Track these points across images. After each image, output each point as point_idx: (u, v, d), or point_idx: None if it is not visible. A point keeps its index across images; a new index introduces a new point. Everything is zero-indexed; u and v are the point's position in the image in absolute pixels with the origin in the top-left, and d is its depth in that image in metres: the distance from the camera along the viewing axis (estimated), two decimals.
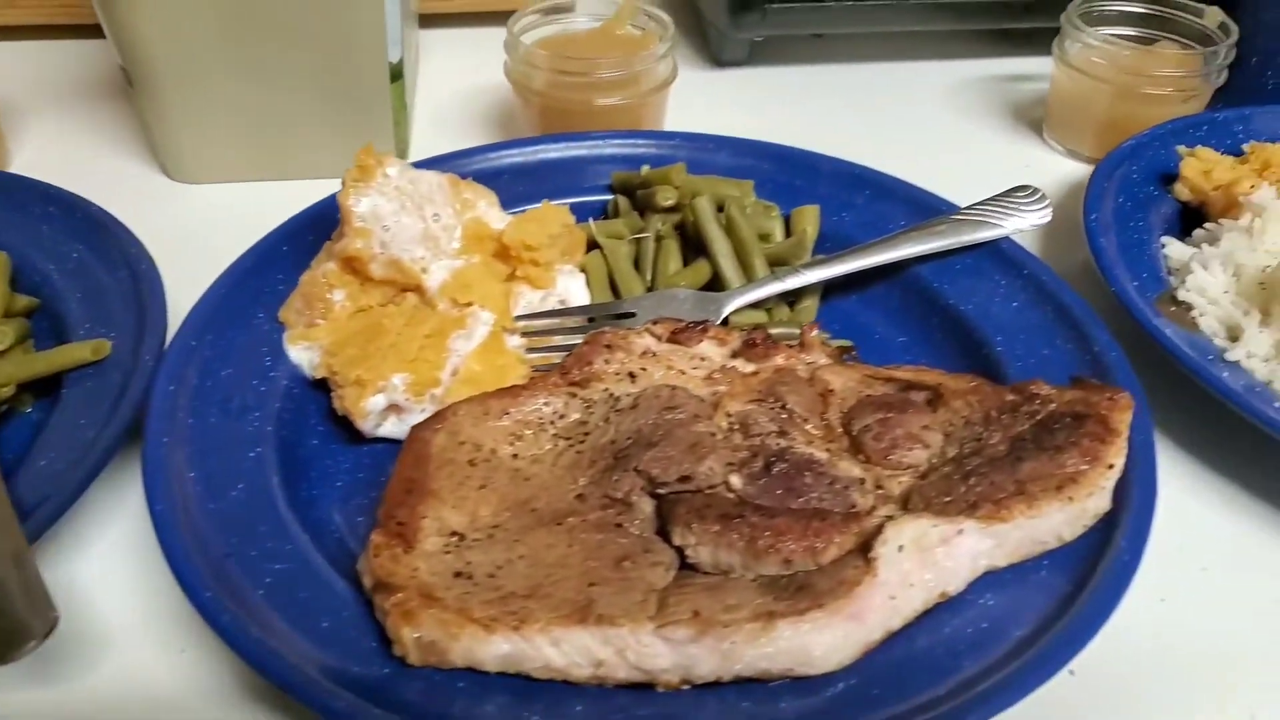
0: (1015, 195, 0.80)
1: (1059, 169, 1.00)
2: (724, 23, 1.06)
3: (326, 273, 0.68)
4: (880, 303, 0.78)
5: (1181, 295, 0.75)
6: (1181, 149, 0.89)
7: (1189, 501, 0.66)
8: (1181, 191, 0.86)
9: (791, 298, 0.77)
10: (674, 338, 0.66)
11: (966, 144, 1.04)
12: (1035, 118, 1.05)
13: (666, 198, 0.78)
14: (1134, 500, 0.56)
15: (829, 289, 0.79)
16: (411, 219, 0.67)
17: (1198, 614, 0.59)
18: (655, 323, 0.66)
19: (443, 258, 0.68)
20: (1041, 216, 0.79)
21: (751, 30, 1.06)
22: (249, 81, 0.86)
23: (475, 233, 0.69)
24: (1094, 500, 0.55)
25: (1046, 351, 0.69)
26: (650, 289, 0.76)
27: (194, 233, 0.85)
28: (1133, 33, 1.00)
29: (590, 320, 0.73)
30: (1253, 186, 0.81)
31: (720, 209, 0.78)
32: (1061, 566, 0.55)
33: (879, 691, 0.49)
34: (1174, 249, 0.80)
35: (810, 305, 0.77)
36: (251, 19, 0.82)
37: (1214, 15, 0.97)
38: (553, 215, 0.72)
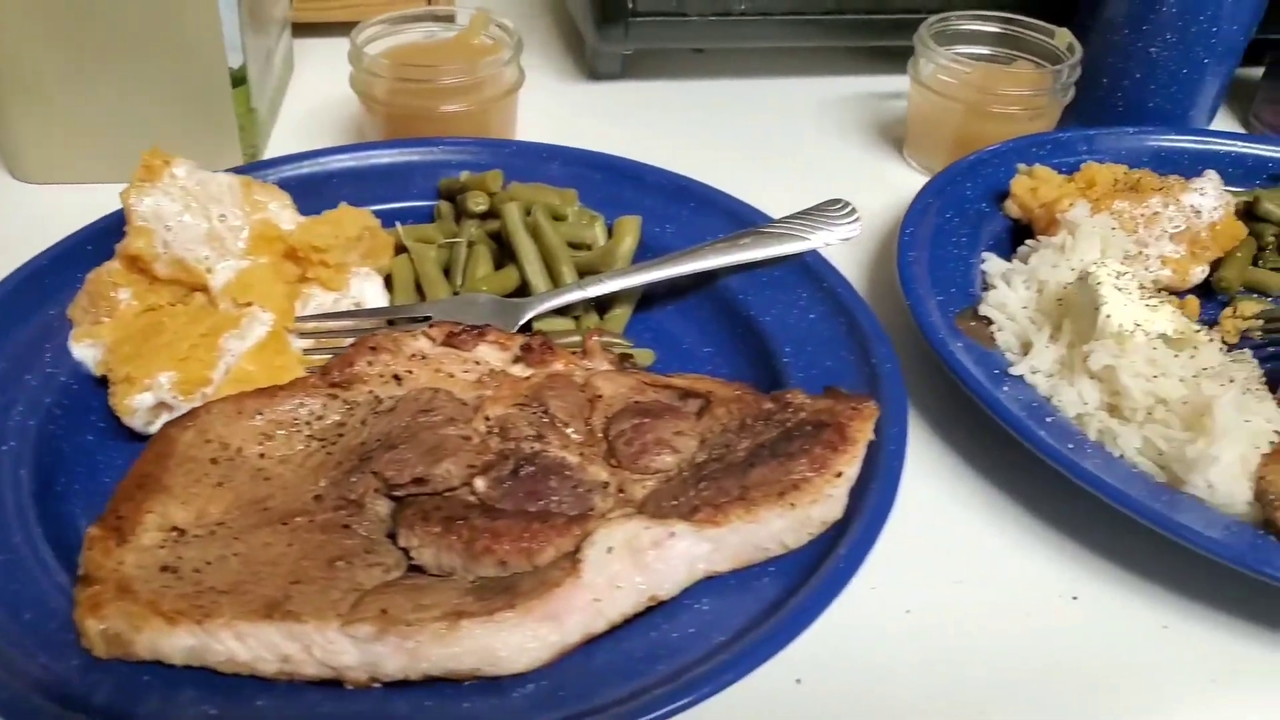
0: (828, 209, 0.80)
1: (915, 186, 1.00)
2: (591, 35, 1.07)
3: (110, 271, 0.68)
4: (692, 313, 0.78)
5: (982, 310, 0.75)
6: (1021, 167, 0.90)
7: (960, 513, 0.66)
8: (1011, 209, 0.87)
9: (604, 306, 0.78)
10: (448, 341, 0.66)
11: (828, 161, 1.04)
12: (898, 136, 1.06)
13: (478, 203, 0.79)
14: (867, 510, 0.56)
15: (646, 300, 0.79)
16: (196, 219, 0.68)
17: (940, 625, 0.59)
18: (432, 326, 0.67)
19: (229, 258, 0.68)
20: (851, 230, 0.79)
21: (617, 43, 1.06)
22: (90, 86, 0.86)
23: (264, 234, 0.69)
24: (820, 508, 0.55)
25: (830, 363, 0.69)
26: (457, 294, 0.76)
27: (35, 232, 0.85)
28: (988, 52, 1.01)
29: (390, 323, 0.73)
30: (1070, 204, 0.82)
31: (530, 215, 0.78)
32: (784, 573, 0.55)
33: (565, 693, 0.49)
34: (992, 264, 0.80)
35: (621, 314, 0.77)
36: (87, 27, 0.83)
37: (1064, 36, 0.98)
38: (351, 218, 0.73)
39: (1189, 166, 0.92)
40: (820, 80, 1.16)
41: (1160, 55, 0.96)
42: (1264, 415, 0.64)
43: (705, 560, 0.54)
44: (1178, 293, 0.83)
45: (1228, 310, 0.79)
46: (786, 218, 0.79)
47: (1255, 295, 0.84)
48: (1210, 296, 0.83)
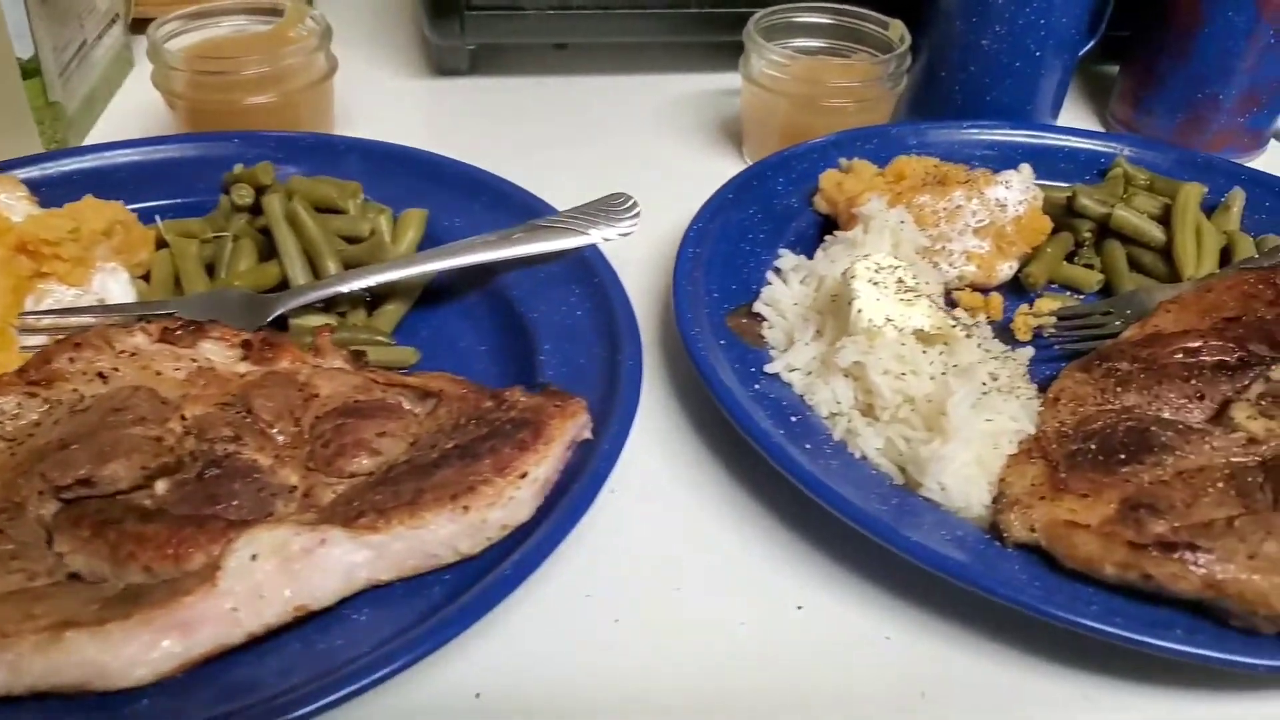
0: (611, 203, 0.77)
1: None
2: (427, 30, 1.04)
3: None
4: (472, 312, 0.75)
5: (756, 307, 0.72)
6: (842, 161, 0.87)
7: (704, 518, 0.63)
8: (820, 204, 0.84)
9: (378, 303, 0.75)
10: (164, 338, 0.63)
11: (668, 158, 1.01)
12: (738, 132, 1.03)
13: (242, 196, 0.76)
14: (555, 513, 0.53)
15: (430, 298, 0.76)
16: None
17: (646, 635, 0.56)
18: (151, 322, 0.64)
19: None
20: (631, 225, 0.76)
21: (453, 38, 1.04)
22: None
23: None
24: (499, 511, 0.52)
25: (582, 360, 0.66)
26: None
27: None
28: (823, 45, 0.98)
29: (142, 320, 0.70)
30: (869, 198, 0.79)
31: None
32: (456, 580, 0.52)
33: (188, 708, 0.46)
34: (785, 261, 0.77)
35: (393, 311, 0.74)
36: None
37: (896, 28, 0.95)
38: (95, 211, 0.70)
39: (1019, 161, 0.90)
40: (673, 77, 1.13)
41: (992, 48, 0.94)
42: (1009, 414, 0.61)
43: (367, 568, 0.51)
44: (984, 289, 0.80)
45: (1023, 307, 0.77)
46: (567, 212, 0.76)
47: (1069, 293, 0.82)
48: (1025, 294, 0.81)
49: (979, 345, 0.66)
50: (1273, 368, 0.63)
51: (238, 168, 0.79)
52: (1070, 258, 0.83)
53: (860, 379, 0.63)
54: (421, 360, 0.71)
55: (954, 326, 0.66)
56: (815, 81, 0.93)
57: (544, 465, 0.54)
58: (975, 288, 0.80)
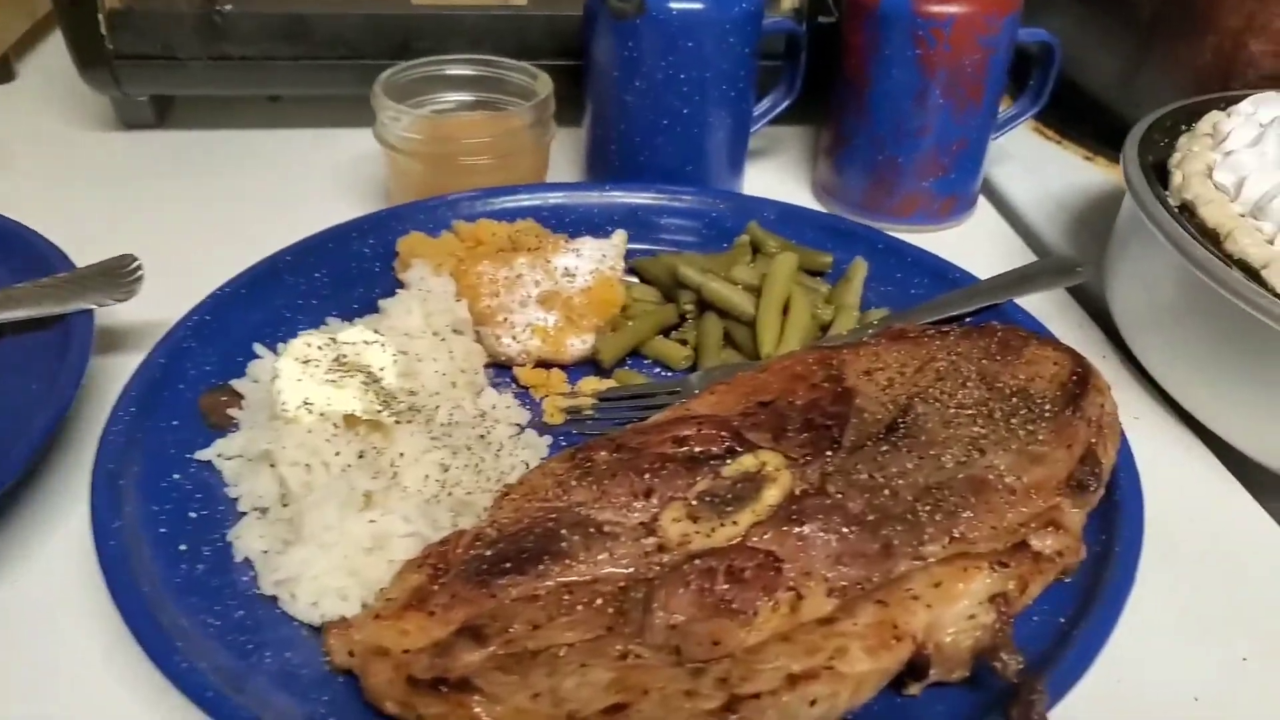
0: (115, 267, 0.71)
1: None
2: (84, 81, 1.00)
3: None
4: None
5: (238, 383, 0.65)
6: (459, 224, 0.80)
7: None
8: (399, 268, 0.77)
9: None
10: None
11: (326, 216, 0.95)
12: None
13: None
14: None
15: None
16: None
17: None
18: None
19: None
20: (129, 291, 0.69)
21: (106, 88, 0.99)
22: None
23: None
24: None
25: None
26: None
27: None
28: (472, 98, 0.92)
29: None
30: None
31: None
32: None
33: None
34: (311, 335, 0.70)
35: None
36: None
37: (546, 82, 0.89)
38: None
39: (654, 223, 0.84)
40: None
41: (637, 104, 0.87)
42: (403, 514, 0.53)
43: None
44: (559, 365, 0.73)
45: (570, 387, 0.69)
46: (60, 277, 0.70)
47: (660, 369, 0.74)
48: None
49: (433, 433, 0.59)
50: (728, 462, 0.55)
51: None
52: (671, 330, 0.76)
53: (276, 468, 0.56)
54: None
55: (397, 411, 0.58)
56: (447, 139, 0.87)
57: None
58: (551, 363, 0.73)
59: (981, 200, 1.01)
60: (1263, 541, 0.65)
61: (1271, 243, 0.68)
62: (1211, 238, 0.71)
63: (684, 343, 0.75)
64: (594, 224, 0.84)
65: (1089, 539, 0.54)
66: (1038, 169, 1.06)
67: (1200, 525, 0.65)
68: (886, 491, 0.53)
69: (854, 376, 0.64)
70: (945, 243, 0.94)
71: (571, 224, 0.84)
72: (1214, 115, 0.85)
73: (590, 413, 0.67)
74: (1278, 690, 0.54)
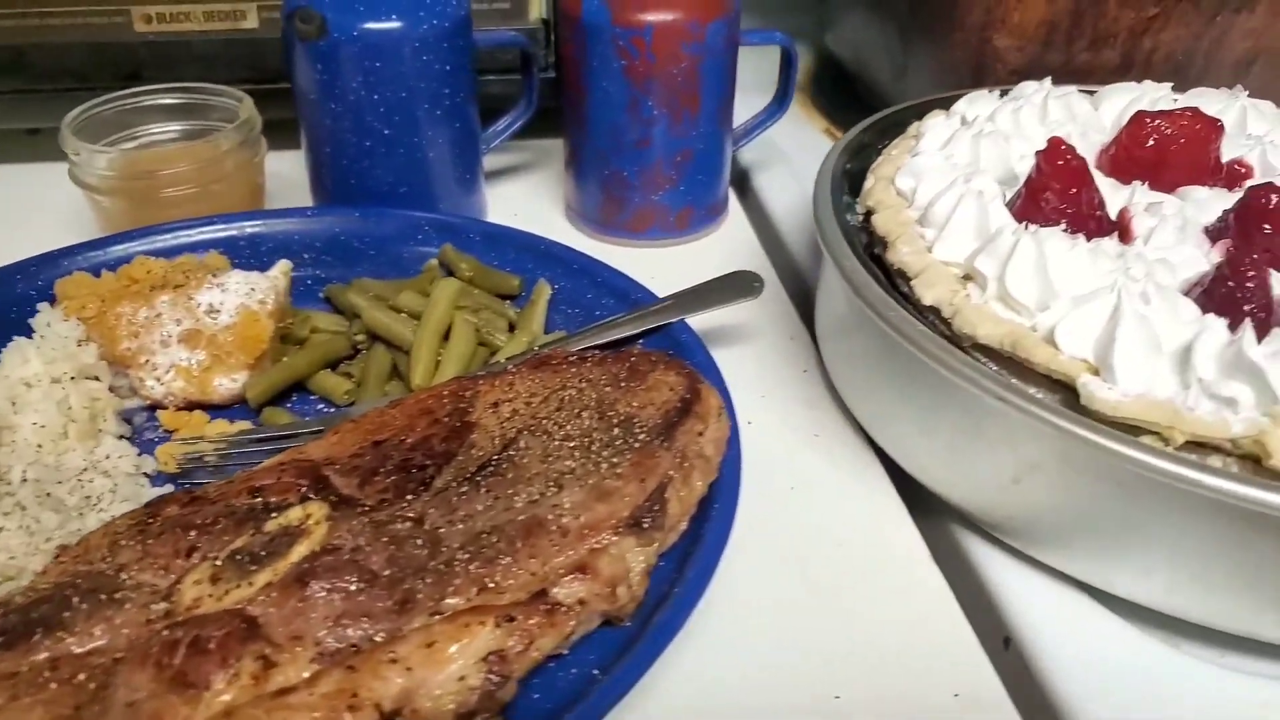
0: None
1: None
2: None
3: None
4: None
5: None
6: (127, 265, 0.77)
7: None
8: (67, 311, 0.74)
9: None
10: None
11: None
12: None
13: None
14: None
15: None
16: None
17: None
18: None
19: None
20: None
21: None
22: None
23: None
24: None
25: None
26: None
27: None
28: (182, 129, 0.89)
29: None
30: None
31: None
32: None
33: None
34: None
35: None
36: None
37: (249, 106, 0.86)
38: None
39: (354, 249, 0.81)
40: None
41: (336, 127, 0.84)
42: None
43: None
44: (210, 406, 0.70)
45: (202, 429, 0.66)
46: None
47: (324, 405, 0.71)
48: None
49: None
50: (274, 516, 0.52)
51: None
52: (339, 363, 0.73)
53: None
54: None
55: None
56: (145, 174, 0.84)
57: None
58: (202, 405, 0.69)
59: (735, 209, 0.99)
60: (895, 569, 0.61)
61: (930, 250, 0.66)
62: (882, 245, 0.69)
63: (349, 376, 0.71)
64: (293, 251, 0.81)
65: (662, 579, 0.52)
66: (807, 173, 1.03)
67: (852, 554, 0.62)
68: (423, 541, 0.49)
69: (481, 409, 0.61)
70: (683, 257, 0.91)
71: (268, 253, 0.80)
72: (934, 115, 0.82)
73: (211, 459, 0.64)
74: None
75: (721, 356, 0.78)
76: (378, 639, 0.45)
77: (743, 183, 1.05)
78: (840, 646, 0.55)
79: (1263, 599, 0.52)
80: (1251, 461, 0.52)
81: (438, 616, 0.46)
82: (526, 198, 0.99)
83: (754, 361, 0.77)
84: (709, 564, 0.51)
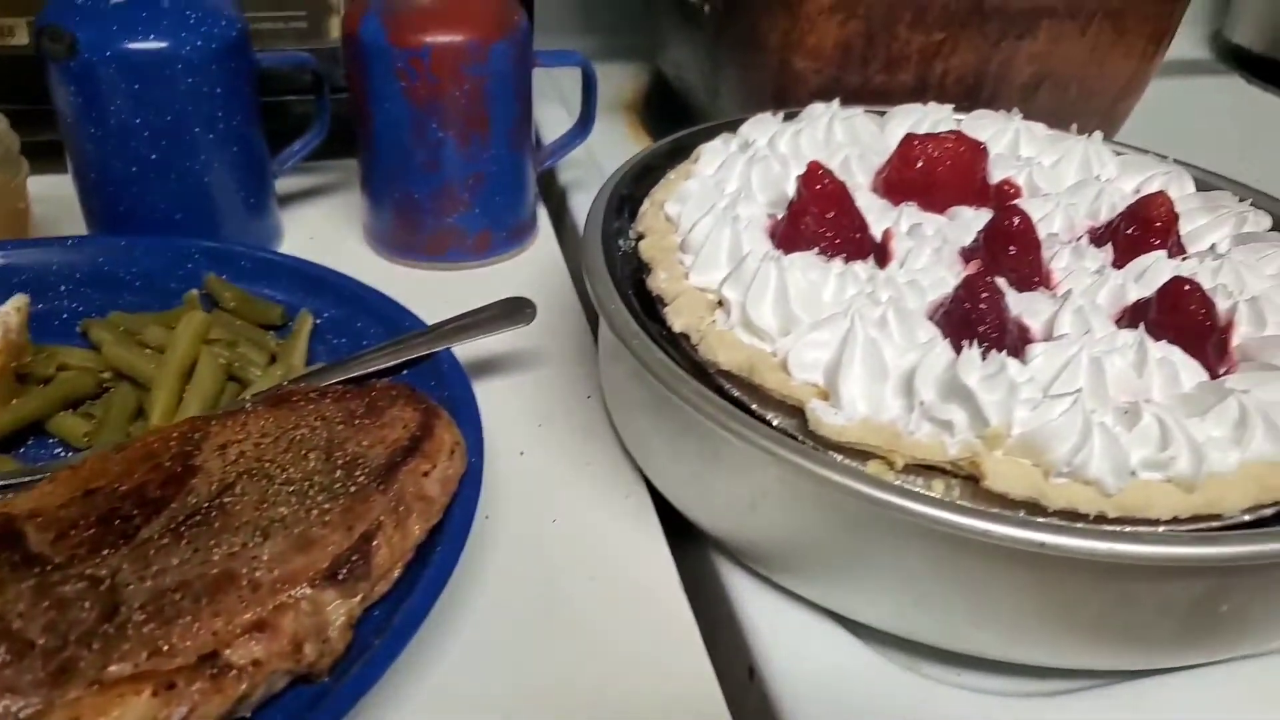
0: None
1: None
2: None
3: None
4: None
5: None
6: None
7: None
8: None
9: None
10: None
11: None
12: None
13: None
14: None
15: None
16: None
17: None
18: None
19: None
20: None
21: None
22: None
23: None
24: None
25: None
26: None
27: None
28: None
29: None
30: None
31: None
32: None
33: None
34: None
35: None
36: None
37: (3, 126, 0.81)
38: None
39: (120, 279, 0.77)
40: None
41: (97, 152, 0.79)
42: None
43: None
44: None
45: None
46: None
47: (62, 449, 0.66)
48: None
49: None
50: None
51: None
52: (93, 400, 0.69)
53: None
54: None
55: None
56: None
57: None
58: None
59: (547, 231, 0.97)
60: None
61: (688, 276, 0.65)
62: (647, 271, 0.68)
63: (91, 416, 0.67)
64: (49, 283, 0.76)
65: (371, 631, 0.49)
66: None
67: (603, 588, 0.60)
68: (91, 603, 0.46)
69: (209, 452, 0.58)
70: (483, 281, 0.89)
71: (19, 286, 0.75)
72: (717, 139, 0.82)
73: None
74: None
75: (503, 384, 0.76)
76: (22, 716, 0.41)
77: (562, 203, 1.04)
78: (582, 683, 0.53)
79: (980, 617, 0.52)
80: (974, 483, 0.52)
81: (96, 686, 0.42)
82: (325, 221, 0.95)
83: (537, 388, 0.75)
84: (418, 613, 0.49)
